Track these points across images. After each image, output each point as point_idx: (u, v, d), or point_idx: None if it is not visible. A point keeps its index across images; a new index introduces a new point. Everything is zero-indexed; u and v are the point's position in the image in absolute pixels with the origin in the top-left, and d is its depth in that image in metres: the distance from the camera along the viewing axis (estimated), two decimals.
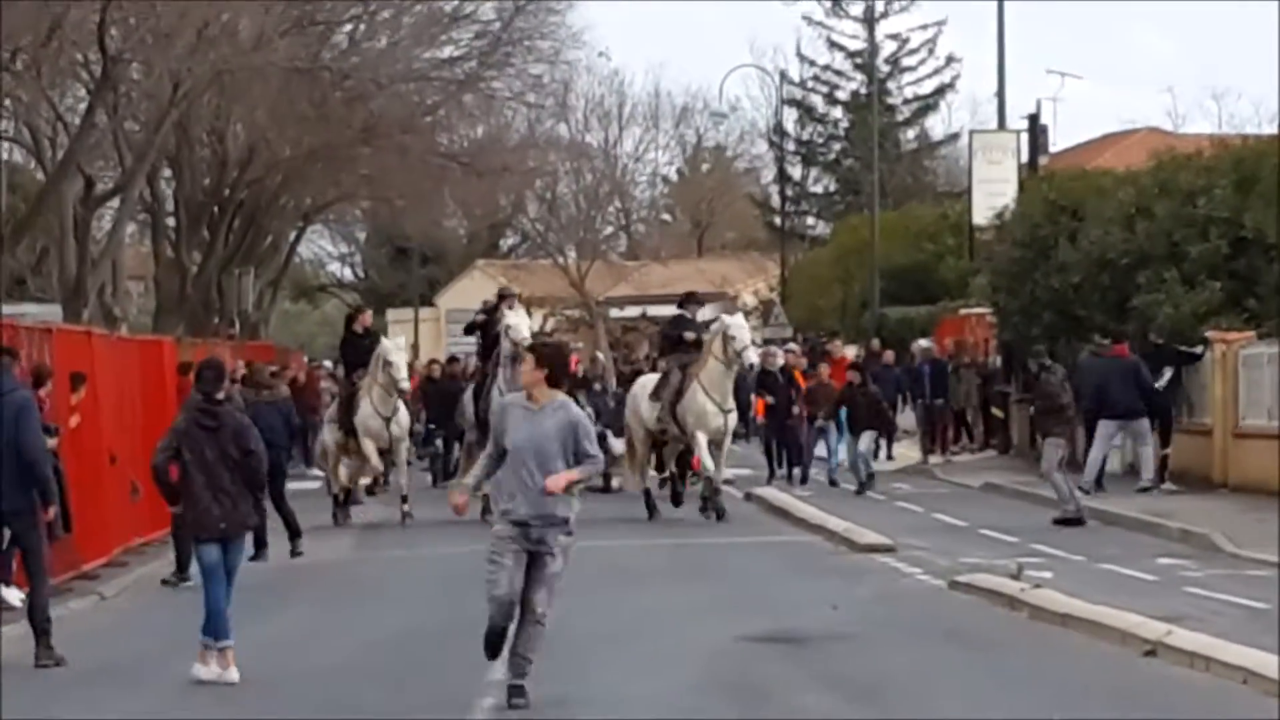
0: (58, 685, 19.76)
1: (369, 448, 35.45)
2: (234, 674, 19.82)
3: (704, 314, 77.68)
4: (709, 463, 31.57)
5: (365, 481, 37.96)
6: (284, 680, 19.84)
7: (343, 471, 37.49)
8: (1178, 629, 19.96)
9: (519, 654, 16.78)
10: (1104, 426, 34.94)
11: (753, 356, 31.98)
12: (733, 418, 32.20)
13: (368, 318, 38.45)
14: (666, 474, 36.35)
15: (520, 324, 31.91)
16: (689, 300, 36.45)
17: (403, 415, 36.10)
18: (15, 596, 21.16)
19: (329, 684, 19.24)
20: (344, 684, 19.15)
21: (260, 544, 27.91)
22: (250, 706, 18.62)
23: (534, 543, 16.71)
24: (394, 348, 34.52)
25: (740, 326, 32.53)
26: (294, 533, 30.97)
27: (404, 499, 35.55)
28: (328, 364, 59.52)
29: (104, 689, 19.52)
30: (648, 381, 34.62)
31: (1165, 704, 17.31)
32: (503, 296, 35.58)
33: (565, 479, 16.72)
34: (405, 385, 35.38)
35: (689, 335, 32.76)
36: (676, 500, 35.16)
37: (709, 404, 31.19)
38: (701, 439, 31.30)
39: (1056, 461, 28.15)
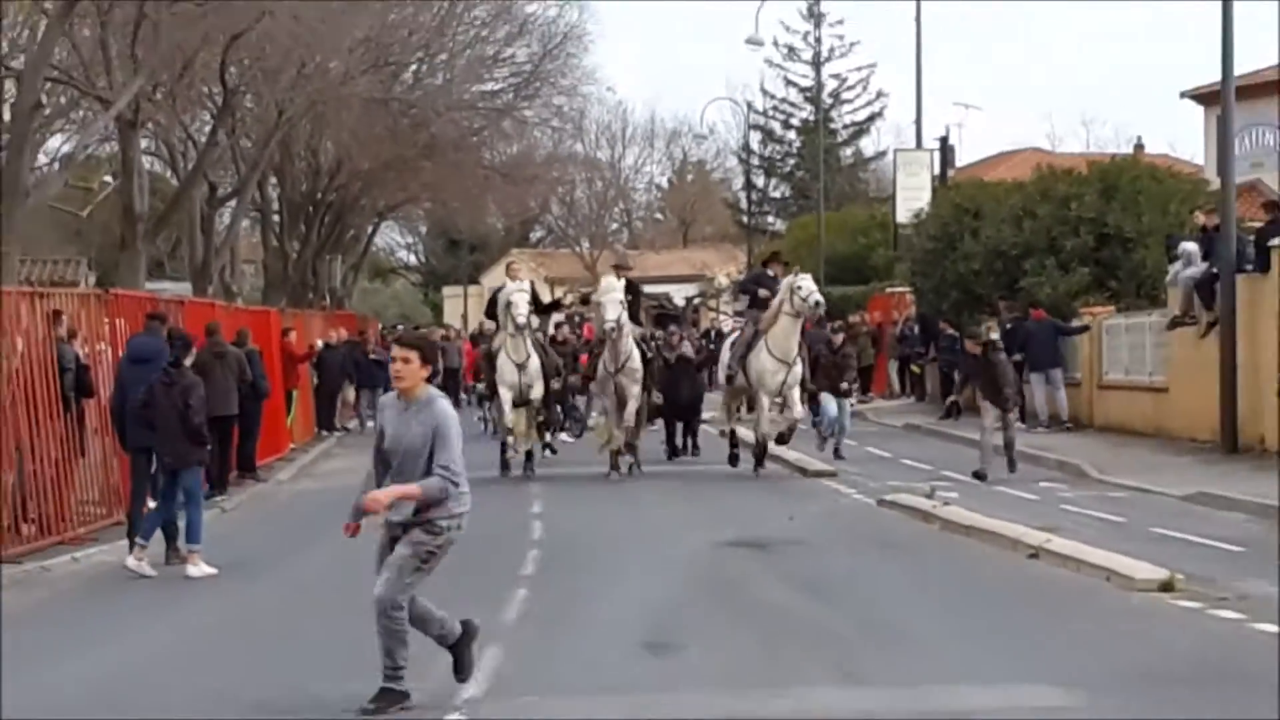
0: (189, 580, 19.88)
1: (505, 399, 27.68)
2: (196, 570, 19.86)
3: (687, 290, 77.18)
4: (765, 425, 27.90)
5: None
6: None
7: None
8: (1055, 537, 19.97)
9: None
10: (1032, 376, 35.25)
11: (818, 297, 27.70)
12: (796, 370, 27.56)
13: (518, 268, 30.84)
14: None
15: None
16: (774, 259, 31.42)
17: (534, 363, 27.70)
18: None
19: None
20: None
21: (215, 484, 26.18)
22: (329, 597, 18.64)
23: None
24: (515, 289, 27.42)
25: (806, 278, 28.18)
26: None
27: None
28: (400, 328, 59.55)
29: (226, 581, 19.59)
30: (735, 334, 30.58)
31: (1046, 595, 17.30)
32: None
33: (388, 496, 12.21)
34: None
35: (763, 293, 28.76)
36: (733, 460, 29.39)
37: (770, 361, 27.49)
38: (764, 400, 27.74)
39: (990, 427, 26.56)
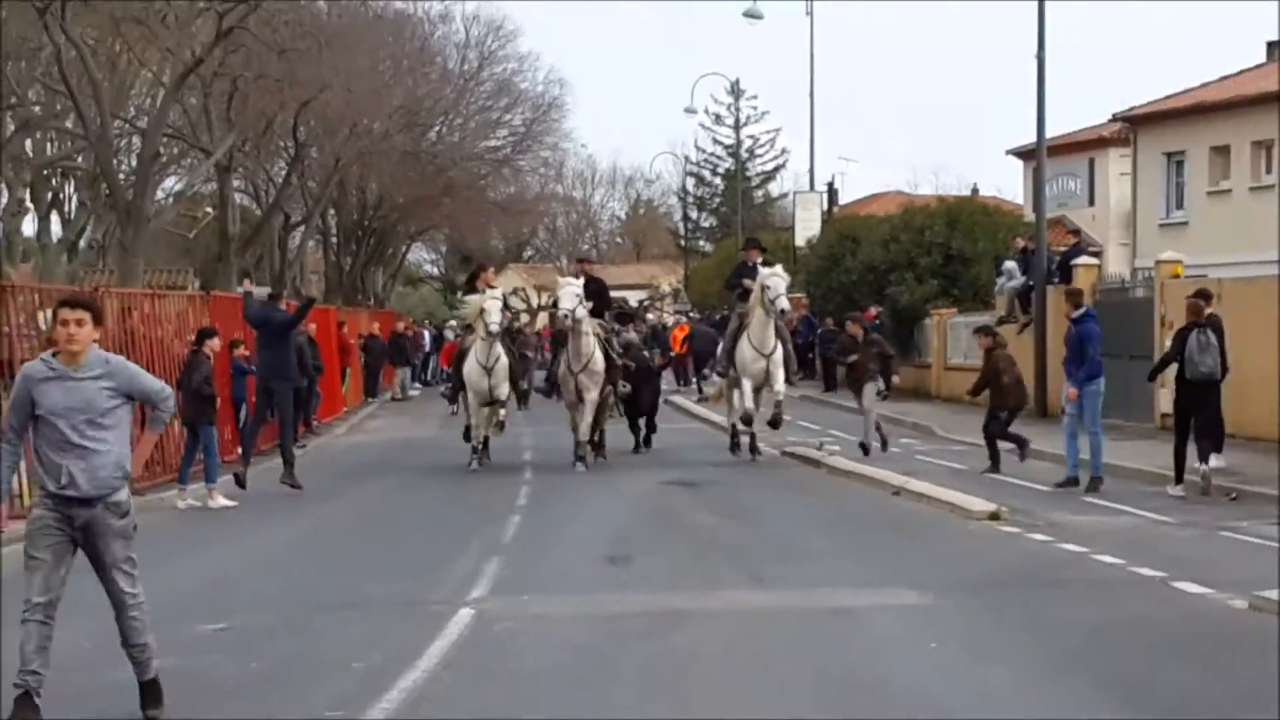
0: (296, 497, 19.85)
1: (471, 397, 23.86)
2: (215, 503, 19.62)
3: (640, 295, 76.80)
4: (749, 405, 23.12)
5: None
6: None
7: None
8: (912, 480, 20.01)
9: (132, 644, 8.82)
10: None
11: (784, 304, 23.21)
12: (776, 357, 23.05)
13: (490, 275, 26.35)
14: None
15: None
16: (750, 246, 26.22)
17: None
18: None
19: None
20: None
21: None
22: (375, 519, 18.61)
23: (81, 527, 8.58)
24: (490, 298, 23.16)
25: (776, 276, 23.25)
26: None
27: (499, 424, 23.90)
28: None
29: (299, 506, 19.58)
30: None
31: (905, 523, 17.32)
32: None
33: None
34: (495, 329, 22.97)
35: (747, 282, 23.55)
36: (733, 448, 24.83)
37: (751, 352, 22.97)
38: (747, 385, 23.12)
39: (874, 399, 24.17)
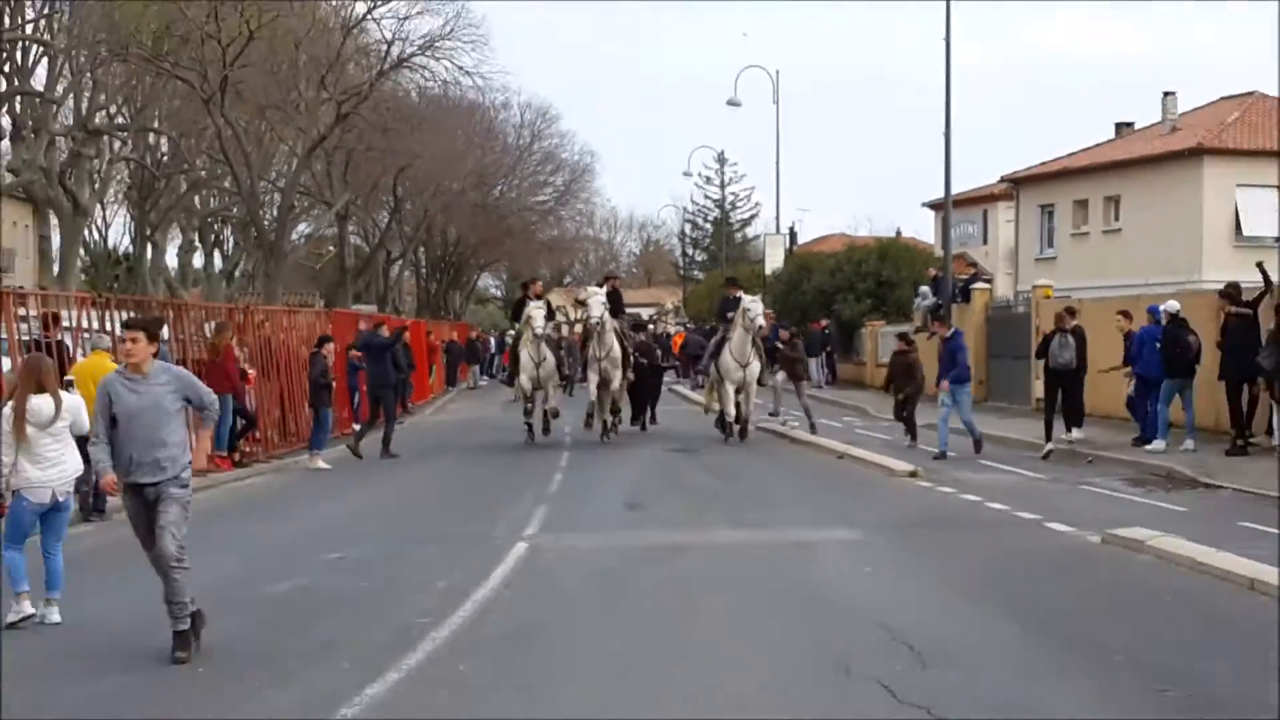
0: (393, 462, 19.81)
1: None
2: (314, 465, 19.15)
3: (649, 310, 76.60)
4: (729, 406, 22.03)
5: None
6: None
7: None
8: (852, 448, 20.01)
9: (172, 601, 7.95)
10: (811, 360, 35.33)
11: (760, 321, 22.10)
12: (751, 369, 21.95)
13: (538, 287, 24.65)
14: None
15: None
16: (730, 284, 25.30)
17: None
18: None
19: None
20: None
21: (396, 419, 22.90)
22: (458, 478, 18.58)
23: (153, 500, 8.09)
24: (534, 306, 22.16)
25: (755, 302, 22.67)
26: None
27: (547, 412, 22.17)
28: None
29: (399, 467, 19.62)
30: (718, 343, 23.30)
31: (846, 479, 17.31)
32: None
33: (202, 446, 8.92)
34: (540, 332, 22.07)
35: (730, 314, 22.47)
36: (721, 427, 22.97)
37: (731, 361, 21.78)
38: (728, 388, 21.94)
39: (804, 392, 24.10)
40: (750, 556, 11.42)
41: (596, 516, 14.08)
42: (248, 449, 19.78)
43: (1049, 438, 18.90)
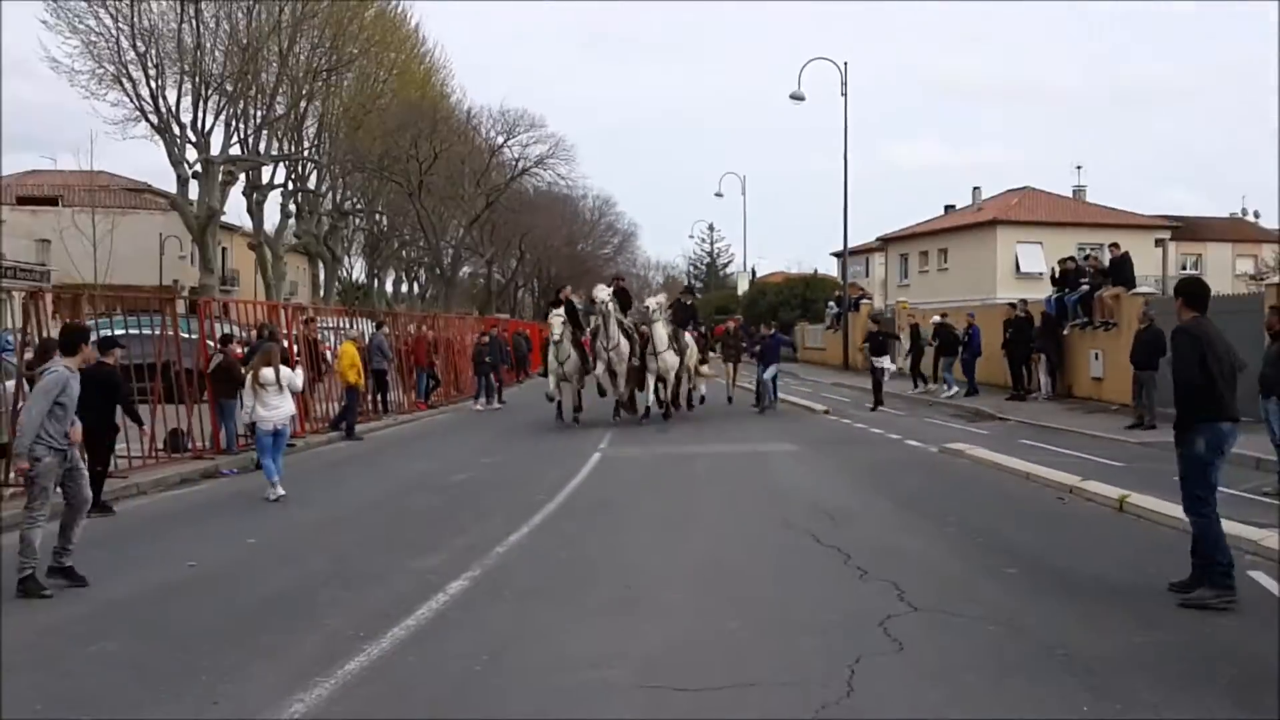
0: (507, 411, 18.61)
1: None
2: (477, 406, 17.03)
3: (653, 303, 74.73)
4: (649, 393, 16.04)
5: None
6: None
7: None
8: (789, 396, 19.59)
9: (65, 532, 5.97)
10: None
11: (656, 316, 15.95)
12: (664, 357, 15.83)
13: (568, 291, 17.82)
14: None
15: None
16: (686, 291, 19.95)
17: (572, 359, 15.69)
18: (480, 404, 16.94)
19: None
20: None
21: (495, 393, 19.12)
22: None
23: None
24: (554, 315, 15.74)
25: (652, 300, 16.70)
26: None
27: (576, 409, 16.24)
28: None
29: (514, 414, 18.54)
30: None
31: (797, 419, 16.75)
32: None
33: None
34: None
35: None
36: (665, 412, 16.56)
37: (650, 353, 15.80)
38: (650, 379, 15.94)
39: (760, 378, 18.00)
40: (731, 460, 11.36)
41: (635, 437, 13.97)
42: (435, 399, 19.25)
43: (917, 383, 19.37)
